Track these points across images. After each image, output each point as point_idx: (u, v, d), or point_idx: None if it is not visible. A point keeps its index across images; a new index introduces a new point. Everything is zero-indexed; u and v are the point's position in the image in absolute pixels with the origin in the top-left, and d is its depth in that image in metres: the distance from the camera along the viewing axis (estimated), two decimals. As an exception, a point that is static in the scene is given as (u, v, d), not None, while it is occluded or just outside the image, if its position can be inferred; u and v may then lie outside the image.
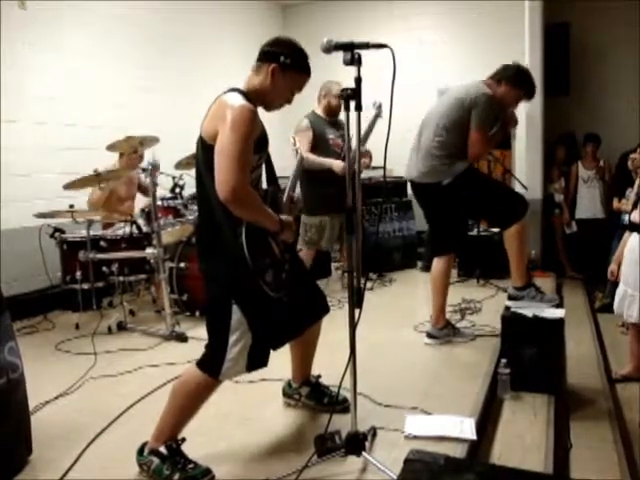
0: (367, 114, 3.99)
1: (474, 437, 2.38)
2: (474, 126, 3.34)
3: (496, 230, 4.25)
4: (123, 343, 3.86)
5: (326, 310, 2.56)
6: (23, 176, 4.71)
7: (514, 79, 3.38)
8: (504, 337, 3.09)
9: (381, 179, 5.96)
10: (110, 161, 4.73)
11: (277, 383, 2.88)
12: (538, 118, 5.99)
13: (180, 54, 6.37)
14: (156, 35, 6.06)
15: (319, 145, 4.47)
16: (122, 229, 4.41)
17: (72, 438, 2.48)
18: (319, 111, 4.61)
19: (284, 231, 2.15)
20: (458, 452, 2.26)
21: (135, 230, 4.37)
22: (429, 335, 3.70)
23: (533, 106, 5.66)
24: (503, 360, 2.91)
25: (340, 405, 2.55)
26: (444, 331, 3.69)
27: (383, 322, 4.14)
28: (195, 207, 4.37)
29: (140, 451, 2.19)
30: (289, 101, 2.23)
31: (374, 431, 2.41)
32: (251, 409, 2.77)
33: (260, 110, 2.14)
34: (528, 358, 2.93)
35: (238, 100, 2.01)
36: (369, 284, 5.30)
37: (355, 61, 1.94)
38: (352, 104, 1.97)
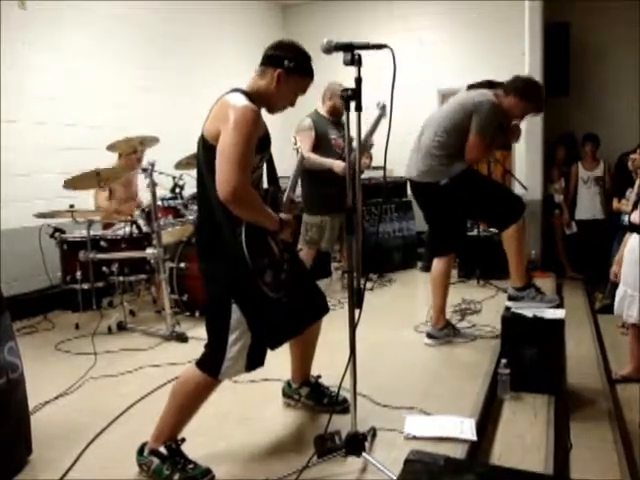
0: (369, 114, 4.00)
1: (474, 437, 2.38)
2: (474, 131, 3.34)
3: (496, 231, 4.25)
4: (123, 343, 3.86)
5: (326, 310, 2.56)
6: (23, 176, 4.71)
7: (522, 92, 3.36)
8: (504, 337, 3.09)
9: (381, 179, 5.96)
10: (110, 161, 4.73)
11: (277, 383, 2.88)
12: (538, 118, 5.98)
13: (180, 54, 6.37)
14: (156, 35, 6.06)
15: (321, 145, 4.47)
16: (122, 229, 4.41)
17: (72, 438, 2.48)
18: (322, 111, 4.61)
19: (284, 230, 2.16)
20: (458, 452, 2.26)
21: (135, 230, 4.37)
22: (429, 335, 3.70)
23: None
24: (503, 360, 2.91)
25: (340, 405, 2.55)
26: (444, 331, 3.69)
27: (383, 322, 4.14)
28: (195, 207, 4.38)
29: (140, 451, 2.19)
30: (292, 104, 2.24)
31: (374, 431, 2.41)
32: (251, 409, 2.77)
33: (263, 111, 2.14)
34: (528, 358, 2.93)
35: (241, 100, 2.02)
36: (369, 284, 5.30)
37: (355, 61, 1.94)
38: (352, 105, 1.97)
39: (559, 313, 3.09)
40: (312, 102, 4.52)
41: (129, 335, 4.09)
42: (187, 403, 2.17)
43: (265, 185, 2.32)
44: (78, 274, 4.20)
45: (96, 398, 2.98)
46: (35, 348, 3.77)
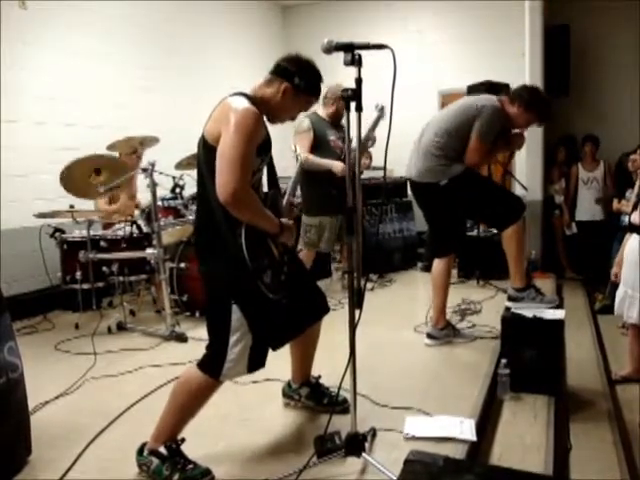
0: (368, 116, 3.99)
1: (474, 438, 2.38)
2: (475, 135, 3.34)
3: (495, 231, 4.26)
4: (123, 343, 3.86)
5: (326, 310, 2.56)
6: (23, 176, 4.71)
7: (527, 101, 3.34)
8: (504, 338, 3.09)
9: (381, 180, 5.96)
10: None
11: (277, 383, 2.88)
12: (538, 119, 5.99)
13: (180, 54, 6.38)
14: (156, 35, 6.07)
15: (320, 146, 4.47)
16: (122, 229, 4.41)
17: (72, 438, 2.48)
18: (322, 113, 4.60)
19: (283, 234, 2.16)
20: (458, 453, 2.26)
21: (135, 230, 4.37)
22: (429, 336, 3.70)
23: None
24: (503, 361, 2.91)
25: (340, 406, 2.55)
26: (444, 332, 3.69)
27: (383, 323, 4.14)
28: (195, 207, 4.38)
29: (140, 451, 2.19)
30: (293, 118, 2.25)
31: (374, 432, 2.41)
32: (251, 409, 2.77)
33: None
34: (528, 359, 2.93)
35: (243, 103, 2.02)
36: (369, 285, 5.30)
37: (355, 62, 1.94)
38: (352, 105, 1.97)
39: (559, 314, 3.09)
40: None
41: (129, 335, 4.09)
42: (187, 403, 2.16)
43: (265, 188, 2.32)
44: (78, 274, 4.20)
45: (96, 398, 2.98)
46: (35, 348, 3.77)
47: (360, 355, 2.15)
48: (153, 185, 3.93)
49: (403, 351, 3.63)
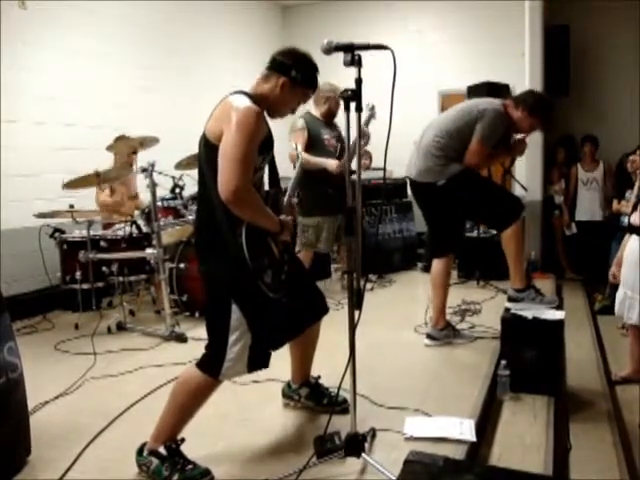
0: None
1: (474, 438, 2.38)
2: (476, 137, 3.34)
3: (495, 232, 4.26)
4: (123, 343, 3.86)
5: (325, 311, 2.56)
6: (23, 176, 4.71)
7: (531, 106, 3.34)
8: (504, 338, 3.09)
9: (381, 180, 5.96)
10: (110, 162, 4.73)
11: (276, 384, 2.88)
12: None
13: (180, 54, 6.38)
14: (156, 35, 6.07)
15: (314, 145, 4.47)
16: (122, 229, 4.41)
17: (71, 438, 2.48)
18: (316, 113, 4.61)
19: (284, 233, 2.16)
20: (458, 453, 2.26)
21: (135, 230, 4.37)
22: (429, 336, 3.70)
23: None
24: (503, 361, 2.91)
25: (339, 406, 2.55)
26: (444, 332, 3.69)
27: (383, 323, 4.14)
28: (195, 207, 4.38)
29: (139, 451, 2.19)
30: (293, 111, 2.26)
31: (373, 432, 2.41)
32: (250, 410, 2.77)
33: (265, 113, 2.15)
34: (528, 359, 2.93)
35: (244, 102, 2.02)
36: (369, 285, 5.30)
37: (355, 62, 1.94)
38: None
39: (559, 314, 3.09)
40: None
41: (129, 335, 4.09)
42: (187, 403, 2.16)
43: (266, 187, 2.32)
44: (78, 274, 4.20)
45: (96, 398, 2.98)
46: (35, 348, 3.76)
47: (360, 355, 2.15)
48: (153, 185, 3.93)
49: (403, 351, 3.63)
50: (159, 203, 4.27)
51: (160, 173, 4.11)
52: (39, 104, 4.88)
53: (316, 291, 2.58)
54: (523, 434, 2.55)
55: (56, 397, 2.95)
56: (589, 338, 4.25)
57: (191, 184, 4.04)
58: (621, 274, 3.29)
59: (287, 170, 3.88)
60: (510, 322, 3.07)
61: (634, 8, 6.31)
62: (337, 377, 2.15)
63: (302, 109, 3.57)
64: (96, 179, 4.10)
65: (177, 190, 4.65)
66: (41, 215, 4.21)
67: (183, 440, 2.16)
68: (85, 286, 4.24)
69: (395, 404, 2.72)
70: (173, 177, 4.61)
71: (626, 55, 6.52)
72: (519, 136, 3.63)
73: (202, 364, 2.16)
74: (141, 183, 4.52)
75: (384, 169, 2.22)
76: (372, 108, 4.60)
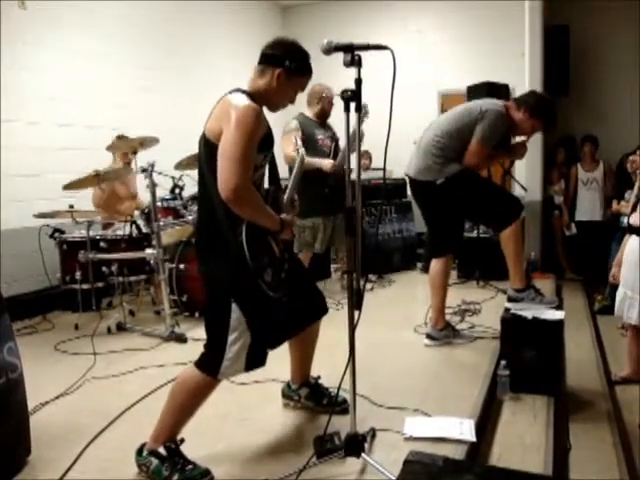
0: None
1: (473, 438, 2.38)
2: (476, 137, 3.34)
3: (493, 232, 4.26)
4: (122, 344, 3.86)
5: (325, 311, 2.56)
6: (23, 176, 4.71)
7: (533, 108, 3.33)
8: (504, 339, 3.09)
9: (381, 180, 5.96)
10: (109, 162, 4.74)
11: (276, 384, 2.88)
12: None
13: (180, 54, 6.38)
14: (156, 35, 6.07)
15: (308, 145, 4.46)
16: (122, 229, 4.41)
17: (71, 438, 2.48)
18: (309, 113, 4.60)
19: (284, 231, 2.16)
20: (457, 453, 2.26)
21: (135, 231, 4.37)
22: (429, 336, 3.70)
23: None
24: (503, 361, 2.91)
25: (339, 406, 2.55)
26: (444, 332, 3.69)
27: (383, 323, 4.14)
28: (195, 208, 4.38)
29: (139, 452, 2.19)
30: (292, 101, 2.26)
31: (373, 432, 2.41)
32: (250, 410, 2.77)
33: (265, 111, 2.14)
34: (528, 360, 2.93)
35: (242, 100, 2.02)
36: (369, 285, 5.30)
37: (355, 62, 1.94)
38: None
39: (558, 314, 3.09)
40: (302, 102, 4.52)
41: (128, 335, 4.09)
42: (186, 403, 2.16)
43: (266, 185, 2.32)
44: (78, 274, 4.20)
45: (96, 398, 2.98)
46: (34, 348, 3.76)
47: (359, 355, 2.15)
48: (152, 185, 3.93)
49: (403, 352, 3.63)
50: (159, 203, 4.26)
51: (160, 173, 4.11)
52: (39, 104, 4.88)
53: (316, 291, 2.58)
54: (523, 434, 2.55)
55: (56, 397, 2.95)
56: (589, 338, 4.26)
57: (191, 184, 4.04)
58: (621, 274, 3.29)
59: (284, 171, 3.89)
60: (510, 322, 3.07)
61: (634, 8, 6.31)
62: (337, 377, 2.15)
63: (295, 109, 3.58)
64: (96, 179, 4.09)
65: (177, 190, 4.65)
66: (41, 215, 4.20)
67: (183, 440, 2.16)
68: (85, 286, 4.24)
69: (395, 404, 2.72)
70: (173, 177, 4.61)
71: (626, 55, 6.52)
72: (519, 139, 3.63)
73: (201, 363, 2.16)
74: (141, 183, 4.52)
75: (384, 169, 2.22)
76: (364, 107, 4.60)
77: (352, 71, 1.95)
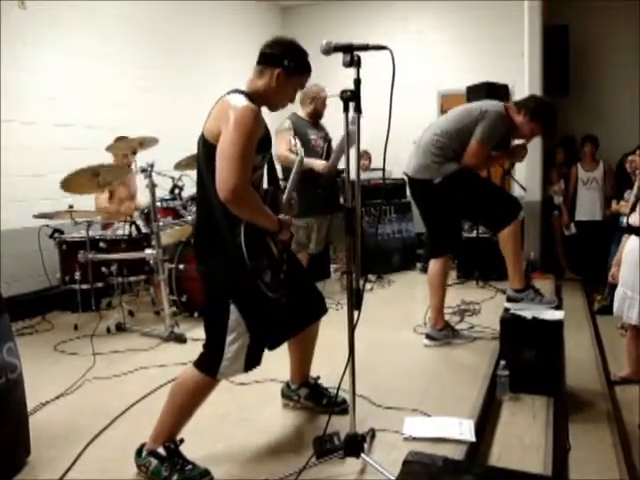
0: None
1: (473, 439, 2.38)
2: (475, 137, 3.34)
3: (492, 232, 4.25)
4: (122, 344, 3.86)
5: (324, 311, 2.56)
6: (23, 176, 4.71)
7: (533, 111, 3.34)
8: (503, 339, 3.09)
9: (380, 180, 5.96)
10: (109, 162, 4.73)
11: (276, 384, 2.88)
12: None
13: (180, 54, 6.38)
14: (156, 35, 6.07)
15: (301, 145, 4.48)
16: (121, 229, 4.41)
17: (71, 438, 2.48)
18: (302, 113, 4.61)
19: (283, 231, 2.16)
20: (457, 454, 2.26)
21: (134, 231, 4.37)
22: (428, 337, 3.70)
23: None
24: (502, 362, 2.91)
25: (339, 406, 2.55)
26: (443, 332, 3.69)
27: (382, 323, 4.14)
28: (194, 208, 4.37)
29: (138, 452, 2.19)
30: (292, 100, 2.26)
31: (373, 432, 2.41)
32: (249, 410, 2.77)
33: (264, 112, 2.14)
34: (527, 360, 2.93)
35: (241, 101, 2.02)
36: (368, 285, 5.30)
37: (354, 63, 1.94)
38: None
39: (558, 314, 3.09)
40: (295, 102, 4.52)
41: (128, 336, 4.09)
42: (186, 403, 2.17)
43: (265, 185, 2.32)
44: (77, 275, 4.19)
45: (95, 398, 2.98)
46: (34, 349, 3.76)
47: (359, 356, 2.15)
48: (152, 186, 3.93)
49: (402, 352, 3.63)
50: (158, 204, 4.26)
51: (159, 174, 4.11)
52: (39, 104, 4.88)
53: (315, 291, 2.58)
54: (522, 434, 2.55)
55: (56, 397, 2.95)
56: (588, 338, 4.26)
57: (190, 185, 4.04)
58: (620, 274, 3.29)
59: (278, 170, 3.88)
60: (509, 322, 3.07)
61: (634, 8, 6.31)
62: (336, 377, 2.15)
63: (288, 109, 3.57)
64: (96, 179, 4.08)
65: (176, 191, 4.65)
66: (40, 215, 4.20)
67: (182, 440, 2.16)
68: (84, 287, 4.24)
69: (394, 404, 2.72)
70: (172, 177, 4.61)
71: (626, 55, 6.52)
72: (519, 141, 3.63)
73: (200, 363, 2.16)
74: (140, 184, 4.52)
75: (383, 169, 2.22)
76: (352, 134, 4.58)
77: (351, 71, 1.95)
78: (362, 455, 2.14)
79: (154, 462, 2.13)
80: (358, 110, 1.97)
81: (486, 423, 2.68)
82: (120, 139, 4.66)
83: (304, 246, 4.57)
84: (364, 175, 5.99)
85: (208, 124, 2.07)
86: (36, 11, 4.79)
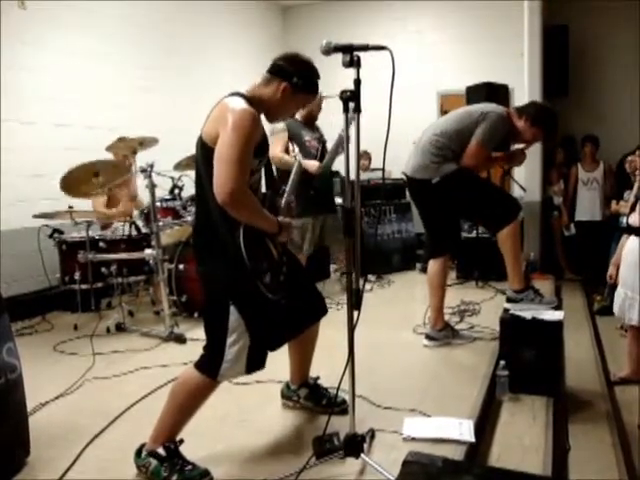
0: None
1: (472, 439, 2.38)
2: (475, 138, 3.34)
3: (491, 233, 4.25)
4: (122, 344, 3.86)
5: (324, 312, 2.56)
6: (23, 176, 4.71)
7: (534, 117, 3.34)
8: (503, 339, 3.09)
9: (380, 181, 5.96)
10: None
11: (275, 384, 2.88)
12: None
13: (180, 54, 6.38)
14: (156, 35, 6.07)
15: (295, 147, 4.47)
16: (121, 229, 4.41)
17: (71, 438, 2.48)
18: (297, 116, 4.60)
19: (282, 234, 2.16)
20: (457, 454, 2.26)
21: (134, 231, 4.36)
22: (428, 337, 3.70)
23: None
24: (502, 362, 2.91)
25: (338, 407, 2.54)
26: (443, 333, 3.69)
27: (382, 324, 4.14)
28: (194, 208, 4.37)
29: (138, 453, 2.19)
30: (293, 115, 2.26)
31: (372, 433, 2.40)
32: (249, 411, 2.77)
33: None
34: (527, 360, 2.93)
35: (240, 104, 2.02)
36: (368, 286, 5.30)
37: (354, 63, 1.94)
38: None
39: (558, 315, 3.09)
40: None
41: (128, 336, 4.09)
42: (186, 404, 2.16)
43: (263, 189, 2.32)
44: (77, 275, 4.20)
45: (95, 398, 2.98)
46: (34, 349, 3.76)
47: (359, 356, 2.15)
48: (152, 186, 3.93)
49: (402, 352, 3.63)
50: (158, 204, 4.26)
51: (159, 174, 4.11)
52: (39, 104, 4.88)
53: (315, 292, 2.58)
54: (522, 435, 2.55)
55: (55, 397, 2.95)
56: (588, 338, 4.26)
57: (190, 185, 4.03)
58: (620, 275, 3.29)
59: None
60: (509, 322, 3.07)
61: (633, 8, 6.32)
62: (336, 377, 2.15)
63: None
64: (93, 178, 4.08)
65: (176, 191, 4.64)
66: (40, 215, 4.20)
67: (182, 441, 2.16)
68: (84, 287, 4.24)
69: (394, 405, 2.72)
70: (172, 178, 4.61)
71: (626, 55, 6.53)
72: (519, 146, 3.63)
73: (200, 365, 2.16)
74: (140, 184, 4.52)
75: (383, 169, 2.22)
76: (340, 139, 4.56)
77: (351, 71, 1.95)
78: (362, 455, 2.14)
79: (154, 462, 2.13)
80: (358, 110, 1.97)
81: (486, 423, 2.67)
82: (120, 139, 4.66)
83: (298, 247, 4.56)
84: (364, 175, 6.00)
85: (206, 126, 2.07)
86: (36, 11, 4.79)
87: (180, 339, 3.89)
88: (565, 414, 2.87)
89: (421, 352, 3.62)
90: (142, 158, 4.11)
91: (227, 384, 2.34)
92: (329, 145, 4.54)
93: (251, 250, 1.99)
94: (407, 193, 5.55)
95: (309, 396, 2.71)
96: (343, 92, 1.96)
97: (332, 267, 5.65)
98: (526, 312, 3.10)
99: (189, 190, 4.52)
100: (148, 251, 4.12)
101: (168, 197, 4.65)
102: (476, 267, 5.48)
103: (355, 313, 2.08)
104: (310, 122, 4.62)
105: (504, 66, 6.58)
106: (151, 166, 3.90)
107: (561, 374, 3.18)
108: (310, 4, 8.10)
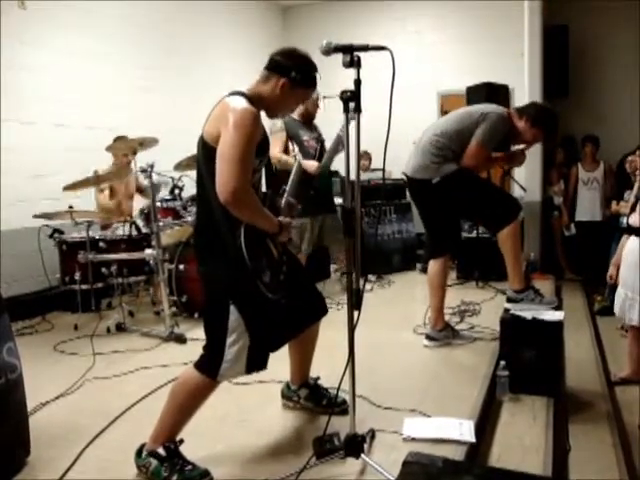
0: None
1: (473, 439, 2.38)
2: (475, 139, 3.34)
3: (490, 233, 4.25)
4: (122, 344, 3.86)
5: (324, 312, 2.56)
6: (23, 176, 4.71)
7: (534, 117, 3.35)
8: (503, 339, 3.09)
9: (380, 181, 5.96)
10: (109, 162, 4.73)
11: (276, 385, 2.87)
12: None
13: (180, 54, 6.38)
14: (156, 35, 6.07)
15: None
16: (121, 229, 4.41)
17: (71, 438, 2.48)
18: (294, 114, 4.60)
19: (282, 233, 2.16)
20: (457, 454, 2.26)
21: (134, 231, 4.36)
22: (428, 337, 3.70)
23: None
24: (502, 362, 2.91)
25: (339, 407, 2.54)
26: (443, 333, 3.69)
27: (382, 324, 4.14)
28: (194, 209, 4.37)
29: (138, 453, 2.19)
30: (292, 110, 2.27)
31: (373, 433, 2.40)
32: (249, 411, 2.77)
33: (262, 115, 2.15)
34: (527, 360, 2.93)
35: (241, 103, 2.02)
36: (368, 286, 5.30)
37: (354, 63, 1.94)
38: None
39: (558, 315, 3.09)
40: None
41: (128, 336, 4.09)
42: (186, 404, 2.16)
43: (264, 188, 2.32)
44: (77, 275, 4.20)
45: (95, 398, 2.98)
46: (34, 349, 3.76)
47: (359, 356, 2.15)
48: (152, 186, 3.93)
49: (402, 352, 3.63)
50: (158, 204, 4.26)
51: (159, 174, 4.11)
52: (39, 104, 4.88)
53: (315, 292, 2.58)
54: (522, 435, 2.55)
55: (56, 397, 2.95)
56: (588, 339, 4.26)
57: (190, 185, 4.04)
58: (620, 275, 3.29)
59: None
60: (509, 323, 3.07)
61: (634, 8, 6.31)
62: (336, 378, 2.15)
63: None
64: (95, 179, 4.09)
65: (176, 191, 4.65)
66: (40, 215, 4.20)
67: (182, 441, 2.16)
68: (84, 287, 4.24)
69: (394, 405, 2.72)
70: (172, 178, 4.61)
71: (626, 55, 6.52)
72: (519, 147, 3.63)
73: (200, 365, 2.16)
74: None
75: (383, 169, 2.22)
76: (339, 139, 4.56)
77: (351, 72, 1.95)
78: (362, 455, 2.14)
79: (154, 462, 2.13)
80: (358, 110, 1.97)
81: (486, 424, 2.67)
82: (120, 139, 4.66)
83: (297, 247, 4.56)
84: (364, 175, 6.00)
85: (207, 126, 2.07)
86: (36, 11, 4.79)
87: (180, 339, 3.89)
88: (565, 414, 2.87)
89: (421, 352, 3.62)
90: (142, 158, 4.10)
91: (227, 384, 2.34)
92: (327, 144, 4.54)
93: (252, 250, 2.00)
94: (407, 193, 5.55)
95: (309, 396, 2.71)
96: (343, 92, 1.96)
97: (332, 267, 5.65)
98: (526, 312, 3.10)
99: (189, 190, 4.53)
100: (148, 251, 4.13)
101: (168, 197, 4.65)
102: (476, 267, 5.48)
103: (355, 313, 2.07)
104: (308, 121, 4.62)
105: (504, 66, 6.58)
106: (151, 166, 3.90)
107: (561, 374, 3.18)
108: (310, 4, 8.10)
